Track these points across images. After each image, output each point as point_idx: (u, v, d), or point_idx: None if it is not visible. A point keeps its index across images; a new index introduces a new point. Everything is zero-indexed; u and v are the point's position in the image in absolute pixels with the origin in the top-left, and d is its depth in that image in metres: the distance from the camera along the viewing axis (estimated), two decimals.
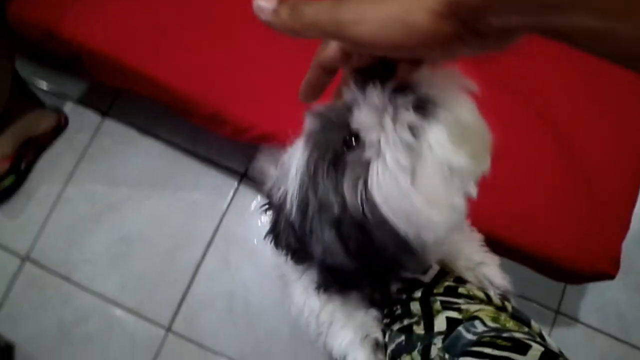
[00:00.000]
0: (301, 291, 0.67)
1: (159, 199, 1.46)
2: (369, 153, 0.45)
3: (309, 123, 0.50)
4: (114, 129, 1.52)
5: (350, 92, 0.47)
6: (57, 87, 1.55)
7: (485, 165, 0.49)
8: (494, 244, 0.96)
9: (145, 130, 1.51)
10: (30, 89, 1.48)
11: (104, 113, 1.53)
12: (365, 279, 0.55)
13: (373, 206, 0.45)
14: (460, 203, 0.46)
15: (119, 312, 1.39)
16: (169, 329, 1.37)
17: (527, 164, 0.98)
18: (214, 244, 1.41)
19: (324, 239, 0.49)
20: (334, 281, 0.56)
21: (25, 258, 1.44)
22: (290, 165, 0.51)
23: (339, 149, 0.47)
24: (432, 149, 0.43)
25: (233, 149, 1.43)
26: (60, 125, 1.51)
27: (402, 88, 0.44)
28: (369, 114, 0.45)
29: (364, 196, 0.45)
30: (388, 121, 0.44)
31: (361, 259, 0.50)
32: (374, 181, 0.44)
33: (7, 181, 1.43)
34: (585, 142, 0.97)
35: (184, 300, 1.38)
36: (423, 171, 0.43)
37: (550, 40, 0.27)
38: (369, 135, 0.45)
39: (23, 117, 1.44)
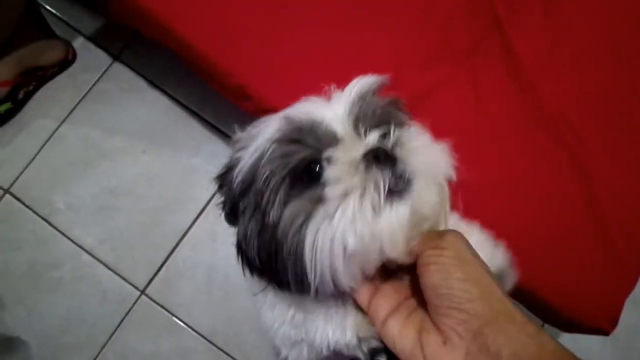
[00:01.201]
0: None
1: (155, 156, 1.40)
2: (328, 194, 0.46)
3: (287, 124, 0.49)
4: (122, 74, 1.45)
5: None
6: (71, 19, 1.47)
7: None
8: None
9: (155, 82, 1.44)
10: (43, 16, 1.40)
11: (115, 57, 1.46)
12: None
13: (299, 243, 0.46)
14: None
15: (94, 264, 1.34)
16: (143, 292, 1.32)
17: (545, 199, 0.94)
18: (204, 214, 1.36)
19: (247, 225, 0.51)
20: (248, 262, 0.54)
21: (7, 190, 1.38)
22: (255, 139, 0.50)
23: (299, 167, 0.48)
24: (384, 226, 0.45)
25: (242, 121, 1.37)
26: (67, 60, 1.44)
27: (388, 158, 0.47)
28: (348, 159, 0.47)
29: (299, 231, 0.46)
30: (366, 179, 0.46)
31: (266, 265, 0.51)
32: (316, 228, 0.45)
33: (3, 107, 1.36)
34: (611, 189, 0.93)
35: (163, 266, 1.34)
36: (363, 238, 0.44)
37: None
38: (334, 175, 0.46)
39: (30, 44, 1.36)
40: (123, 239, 1.36)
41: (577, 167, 0.94)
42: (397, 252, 0.46)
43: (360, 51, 0.96)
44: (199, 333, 1.31)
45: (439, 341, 0.43)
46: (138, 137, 1.41)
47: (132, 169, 1.39)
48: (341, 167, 0.46)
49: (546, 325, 1.13)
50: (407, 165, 0.46)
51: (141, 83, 1.44)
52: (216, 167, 1.42)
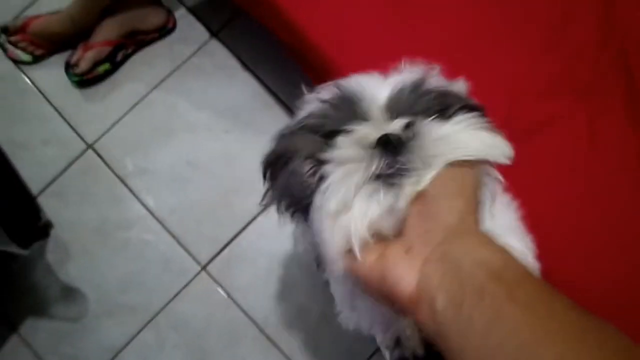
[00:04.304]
0: None
1: (237, 136, 1.41)
2: (330, 158, 0.47)
3: (335, 90, 0.53)
4: (217, 51, 1.46)
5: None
6: None
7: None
8: None
9: (248, 65, 1.44)
10: None
11: (213, 33, 1.47)
12: None
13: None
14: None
15: (161, 232, 1.36)
16: (204, 268, 1.33)
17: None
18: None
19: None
20: None
21: (90, 145, 1.41)
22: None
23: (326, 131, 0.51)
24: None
25: None
26: (167, 27, 1.46)
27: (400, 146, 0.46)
28: (363, 136, 0.48)
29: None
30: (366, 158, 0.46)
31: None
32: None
33: (102, 68, 1.39)
34: None
35: (227, 246, 1.34)
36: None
37: None
38: (342, 145, 0.48)
39: (136, 8, 1.39)
40: (192, 213, 1.37)
41: None
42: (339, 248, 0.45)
43: (478, 71, 0.93)
44: (251, 319, 1.31)
45: (401, 250, 0.43)
46: (223, 116, 1.42)
47: (212, 146, 1.40)
48: (353, 140, 0.48)
49: None
50: (414, 156, 0.46)
51: (234, 63, 1.45)
52: None
